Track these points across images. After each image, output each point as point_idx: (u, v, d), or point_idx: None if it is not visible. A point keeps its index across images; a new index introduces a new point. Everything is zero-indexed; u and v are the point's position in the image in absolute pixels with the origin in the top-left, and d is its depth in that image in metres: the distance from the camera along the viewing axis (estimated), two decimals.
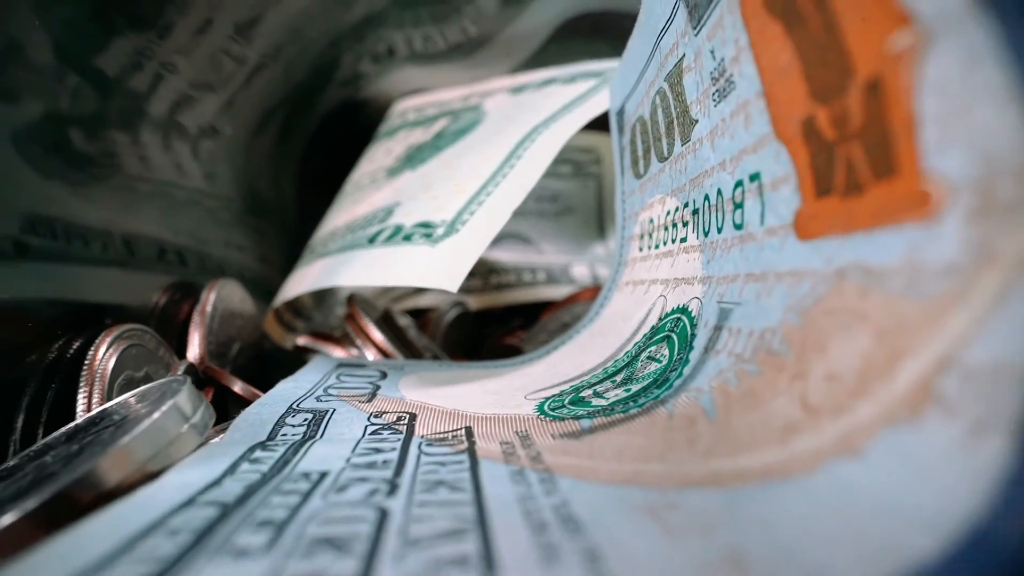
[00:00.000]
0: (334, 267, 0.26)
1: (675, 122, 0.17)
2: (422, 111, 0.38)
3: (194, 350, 0.24)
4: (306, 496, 0.10)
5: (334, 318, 0.36)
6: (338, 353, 0.27)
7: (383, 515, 0.09)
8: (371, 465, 0.12)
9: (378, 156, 0.36)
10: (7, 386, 0.20)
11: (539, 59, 0.38)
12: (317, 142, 0.43)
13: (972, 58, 0.07)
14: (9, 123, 0.23)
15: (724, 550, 0.07)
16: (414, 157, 0.31)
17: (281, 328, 0.33)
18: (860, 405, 0.08)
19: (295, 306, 0.33)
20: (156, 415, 0.12)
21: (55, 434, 0.16)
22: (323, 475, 0.11)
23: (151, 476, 0.12)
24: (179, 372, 0.21)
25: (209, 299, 0.25)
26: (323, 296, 0.37)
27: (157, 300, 0.26)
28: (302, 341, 0.28)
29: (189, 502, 0.10)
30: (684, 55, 0.15)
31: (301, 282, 0.28)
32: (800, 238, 0.11)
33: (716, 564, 0.07)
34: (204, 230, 0.34)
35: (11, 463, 0.15)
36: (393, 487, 0.10)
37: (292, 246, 0.41)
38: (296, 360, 0.30)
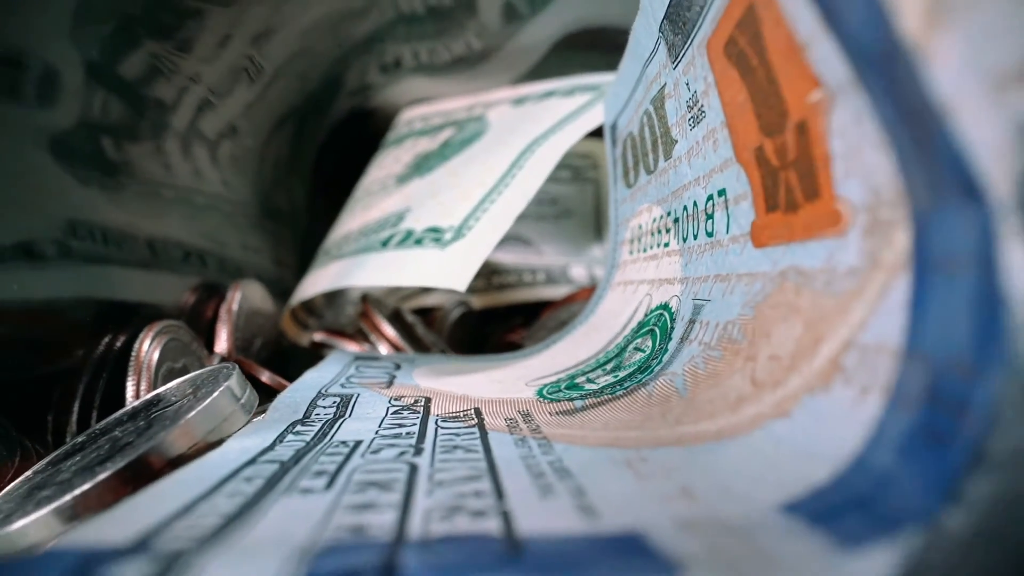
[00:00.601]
0: (349, 269, 0.28)
1: (659, 140, 0.19)
2: (428, 120, 0.40)
3: (222, 344, 0.26)
4: (347, 456, 0.12)
5: (344, 316, 0.39)
6: (352, 348, 0.29)
7: (413, 468, 0.11)
8: (396, 436, 0.14)
9: (387, 163, 0.38)
10: (56, 377, 0.22)
11: (540, 71, 0.40)
12: (327, 149, 0.45)
13: (859, 115, 0.09)
14: (47, 134, 0.25)
15: (679, 486, 0.10)
16: (422, 165, 0.33)
17: (296, 326, 0.35)
18: (791, 378, 0.11)
19: (309, 305, 0.36)
20: (214, 395, 0.15)
21: (114, 416, 0.18)
22: (358, 443, 0.13)
23: (210, 447, 0.15)
24: (214, 363, 0.23)
25: (235, 298, 0.27)
26: (334, 296, 0.39)
27: (187, 299, 0.28)
28: (318, 337, 0.30)
29: (252, 461, 0.12)
30: (665, 83, 0.18)
31: (318, 283, 0.30)
32: (755, 246, 0.13)
33: (672, 495, 0.09)
34: (223, 234, 0.36)
35: (80, 439, 0.17)
36: (418, 450, 0.13)
37: (304, 249, 0.44)
38: (311, 355, 0.33)
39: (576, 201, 0.45)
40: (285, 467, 0.12)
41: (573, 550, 0.07)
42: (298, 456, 0.13)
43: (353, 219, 0.34)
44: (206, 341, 0.27)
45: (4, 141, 0.23)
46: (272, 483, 0.11)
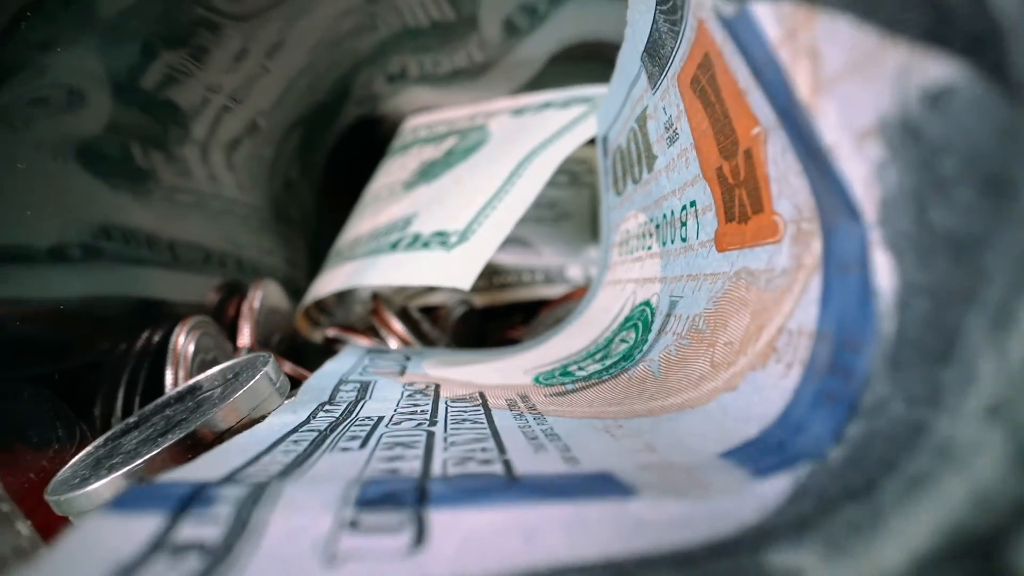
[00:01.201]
0: (362, 269, 0.31)
1: (643, 154, 0.22)
2: (432, 128, 0.43)
3: (244, 338, 0.29)
4: (374, 427, 0.15)
5: (353, 314, 0.41)
6: (364, 342, 0.32)
7: (430, 434, 0.14)
8: (413, 413, 0.17)
9: (394, 170, 0.41)
10: (99, 368, 0.25)
11: (538, 82, 0.42)
12: (336, 155, 0.48)
13: (784, 148, 0.12)
14: (76, 144, 0.27)
15: (644, 443, 0.12)
16: (428, 172, 0.36)
17: (309, 323, 0.38)
18: (740, 359, 0.13)
19: (321, 304, 0.38)
20: (255, 379, 0.17)
21: (158, 401, 0.20)
22: (380, 417, 0.16)
23: (252, 423, 0.17)
24: (241, 356, 0.26)
25: (256, 296, 0.30)
26: (344, 295, 0.42)
27: (211, 298, 0.31)
28: (332, 333, 0.33)
29: (294, 430, 0.15)
30: (647, 106, 0.20)
31: (331, 282, 0.32)
32: (717, 250, 0.16)
33: (638, 449, 0.12)
34: (239, 236, 0.39)
35: (131, 420, 0.20)
36: (432, 422, 0.15)
37: (314, 250, 0.46)
38: (323, 350, 0.35)
39: (573, 205, 0.48)
40: (323, 435, 0.14)
41: (559, 482, 0.10)
42: (331, 427, 0.15)
43: (363, 223, 0.37)
44: (229, 336, 0.30)
45: (36, 149, 0.26)
46: (315, 445, 0.13)
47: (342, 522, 0.08)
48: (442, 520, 0.08)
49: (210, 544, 0.08)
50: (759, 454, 0.10)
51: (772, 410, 0.11)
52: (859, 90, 0.08)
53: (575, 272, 0.43)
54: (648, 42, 0.18)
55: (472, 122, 0.40)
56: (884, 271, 0.09)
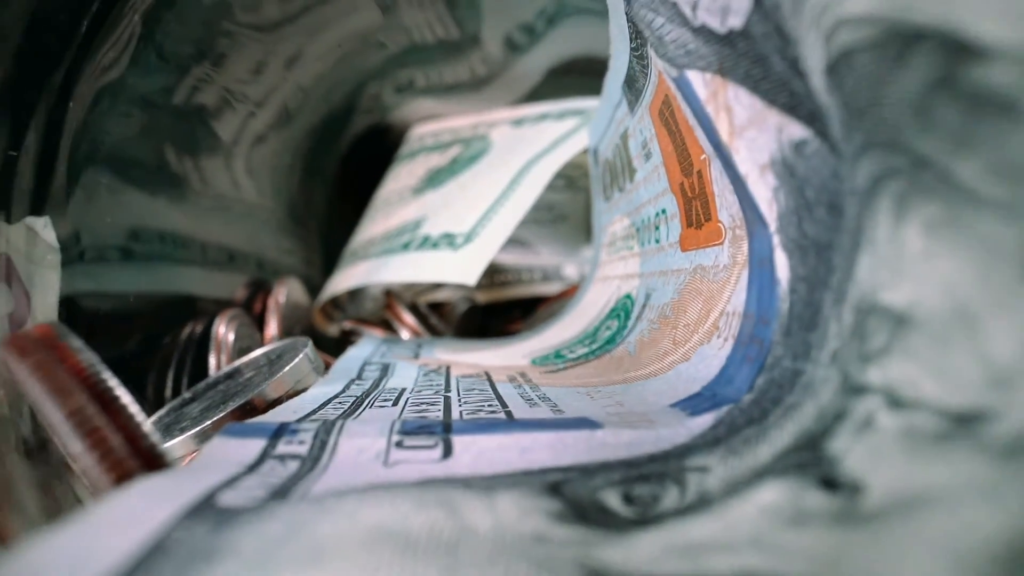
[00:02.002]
0: (376, 267, 0.34)
1: (626, 167, 0.26)
2: (438, 136, 0.46)
3: (272, 329, 0.32)
4: (399, 395, 0.18)
5: (364, 310, 0.45)
6: (378, 334, 0.35)
7: (447, 398, 0.18)
8: (429, 385, 0.20)
9: (402, 176, 0.44)
10: (147, 355, 0.29)
11: (536, 93, 0.46)
12: (347, 161, 0.52)
13: (720, 172, 0.15)
14: (111, 154, 0.31)
15: (615, 402, 0.16)
16: (434, 179, 0.40)
17: (324, 318, 0.41)
18: (693, 337, 0.17)
19: (335, 300, 0.42)
20: (298, 358, 0.21)
21: (207, 380, 0.24)
22: (404, 388, 0.20)
23: (296, 394, 0.21)
24: (272, 344, 0.29)
25: (281, 292, 0.33)
26: (356, 292, 0.45)
27: (240, 293, 0.34)
28: (348, 325, 0.36)
29: (335, 396, 0.18)
30: (628, 126, 0.24)
31: (348, 279, 0.36)
32: (681, 250, 0.20)
33: (609, 405, 0.16)
34: (259, 237, 0.42)
35: (187, 396, 0.23)
36: (447, 390, 0.19)
37: (327, 250, 0.50)
38: (338, 342, 0.39)
39: (570, 207, 0.51)
40: (359, 399, 0.18)
41: (547, 422, 0.14)
42: (365, 395, 0.19)
43: (375, 225, 0.40)
44: (257, 327, 0.33)
45: (101, 165, 0.29)
46: (356, 405, 0.17)
47: (392, 443, 0.12)
48: (462, 441, 0.12)
49: (302, 455, 0.12)
50: (697, 403, 0.14)
51: (712, 372, 0.15)
52: (757, 137, 0.12)
53: (571, 270, 0.47)
54: (627, 75, 0.22)
55: (475, 131, 0.44)
56: (782, 266, 0.13)
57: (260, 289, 0.35)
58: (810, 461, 0.10)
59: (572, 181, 0.52)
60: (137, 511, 0.08)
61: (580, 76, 0.45)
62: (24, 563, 0.07)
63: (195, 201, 0.36)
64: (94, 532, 0.08)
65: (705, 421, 0.13)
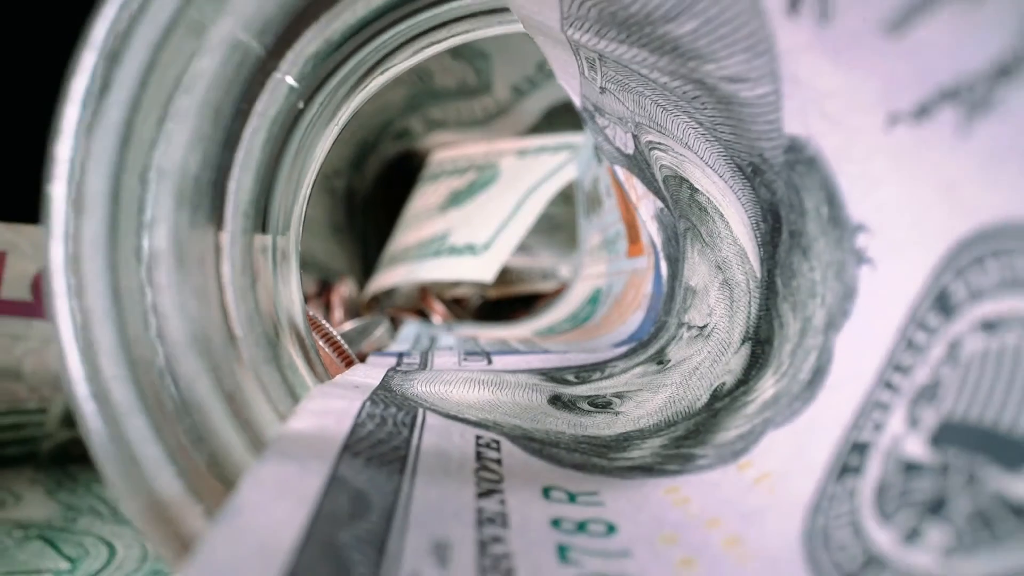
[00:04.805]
0: (414, 269, 0.47)
1: (598, 199, 0.38)
2: (455, 162, 0.59)
3: (338, 314, 0.45)
4: (451, 348, 0.31)
5: (395, 304, 0.57)
6: (414, 319, 0.48)
7: (487, 354, 0.30)
8: (467, 343, 0.33)
9: (428, 195, 0.57)
10: None
11: (537, 127, 0.59)
12: (379, 181, 0.64)
13: (638, 215, 0.28)
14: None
15: (580, 348, 0.28)
16: (456, 199, 0.52)
17: (367, 308, 0.54)
18: (628, 310, 0.30)
19: (374, 296, 0.54)
20: (381, 326, 0.33)
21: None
22: (451, 346, 0.32)
23: (379, 350, 0.33)
24: (345, 327, 0.42)
25: (342, 288, 0.46)
26: (389, 289, 0.58)
27: (312, 289, 0.47)
28: (391, 312, 0.49)
29: (409, 350, 0.31)
30: (598, 174, 0.37)
31: (391, 277, 0.49)
32: (627, 258, 0.32)
33: (576, 349, 0.28)
34: (313, 245, 0.55)
35: None
36: (479, 346, 0.31)
37: (364, 256, 0.62)
38: None
39: (565, 219, 0.63)
40: (426, 353, 0.30)
41: (536, 351, 0.26)
42: (426, 350, 0.31)
43: (408, 235, 0.53)
44: (325, 315, 0.46)
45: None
46: (428, 352, 0.29)
47: (460, 359, 0.25)
48: (497, 359, 0.25)
49: (416, 364, 0.24)
50: (622, 342, 0.26)
51: (634, 327, 0.27)
52: (647, 202, 0.25)
53: (565, 270, 0.59)
54: (596, 143, 0.34)
55: (487, 159, 0.56)
56: (663, 269, 0.25)
57: (324, 285, 0.48)
58: (657, 358, 0.22)
59: (567, 197, 0.64)
60: (369, 373, 0.21)
61: (570, 114, 0.57)
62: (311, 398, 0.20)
63: None
64: (357, 375, 0.20)
65: (621, 349, 0.25)
